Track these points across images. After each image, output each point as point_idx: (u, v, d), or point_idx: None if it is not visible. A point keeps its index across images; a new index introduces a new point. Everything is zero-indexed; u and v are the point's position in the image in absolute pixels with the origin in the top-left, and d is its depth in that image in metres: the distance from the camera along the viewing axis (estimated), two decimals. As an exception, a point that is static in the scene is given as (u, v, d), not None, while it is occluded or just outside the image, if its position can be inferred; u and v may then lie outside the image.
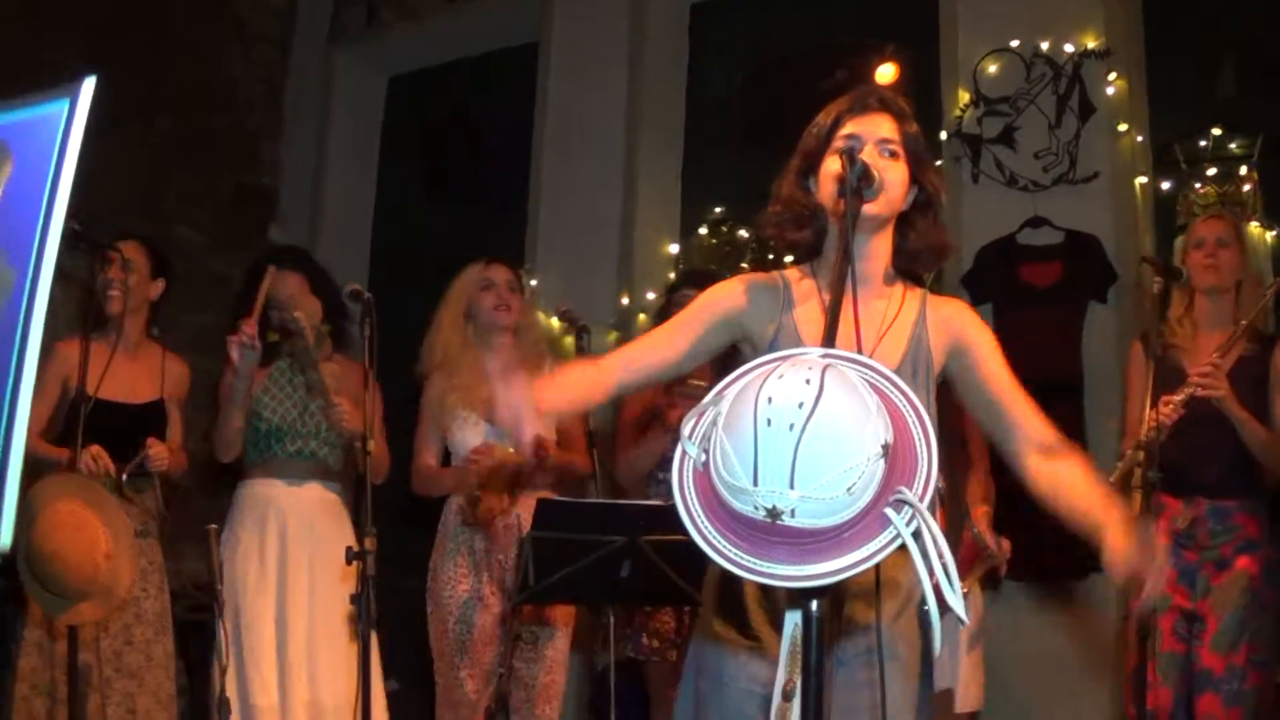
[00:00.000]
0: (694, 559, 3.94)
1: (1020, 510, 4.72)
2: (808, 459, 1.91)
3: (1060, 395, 5.91)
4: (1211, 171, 6.33)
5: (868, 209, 2.80)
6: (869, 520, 1.99)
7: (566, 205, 7.56)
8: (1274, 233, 6.20)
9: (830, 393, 1.94)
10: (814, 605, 2.09)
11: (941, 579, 1.99)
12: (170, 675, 5.09)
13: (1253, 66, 6.61)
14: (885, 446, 1.98)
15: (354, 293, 4.78)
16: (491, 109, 8.57)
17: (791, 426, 1.91)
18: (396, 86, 9.16)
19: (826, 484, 1.92)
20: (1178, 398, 4.48)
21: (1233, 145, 6.36)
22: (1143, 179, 6.29)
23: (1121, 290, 6.05)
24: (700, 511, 2.06)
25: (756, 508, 1.94)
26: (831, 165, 2.91)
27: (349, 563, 4.12)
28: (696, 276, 5.55)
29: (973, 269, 6.27)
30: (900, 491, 2.00)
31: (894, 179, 2.91)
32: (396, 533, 4.52)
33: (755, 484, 1.93)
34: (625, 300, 7.25)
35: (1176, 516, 4.64)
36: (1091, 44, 6.28)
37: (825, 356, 2.11)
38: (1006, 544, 4.90)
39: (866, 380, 2.07)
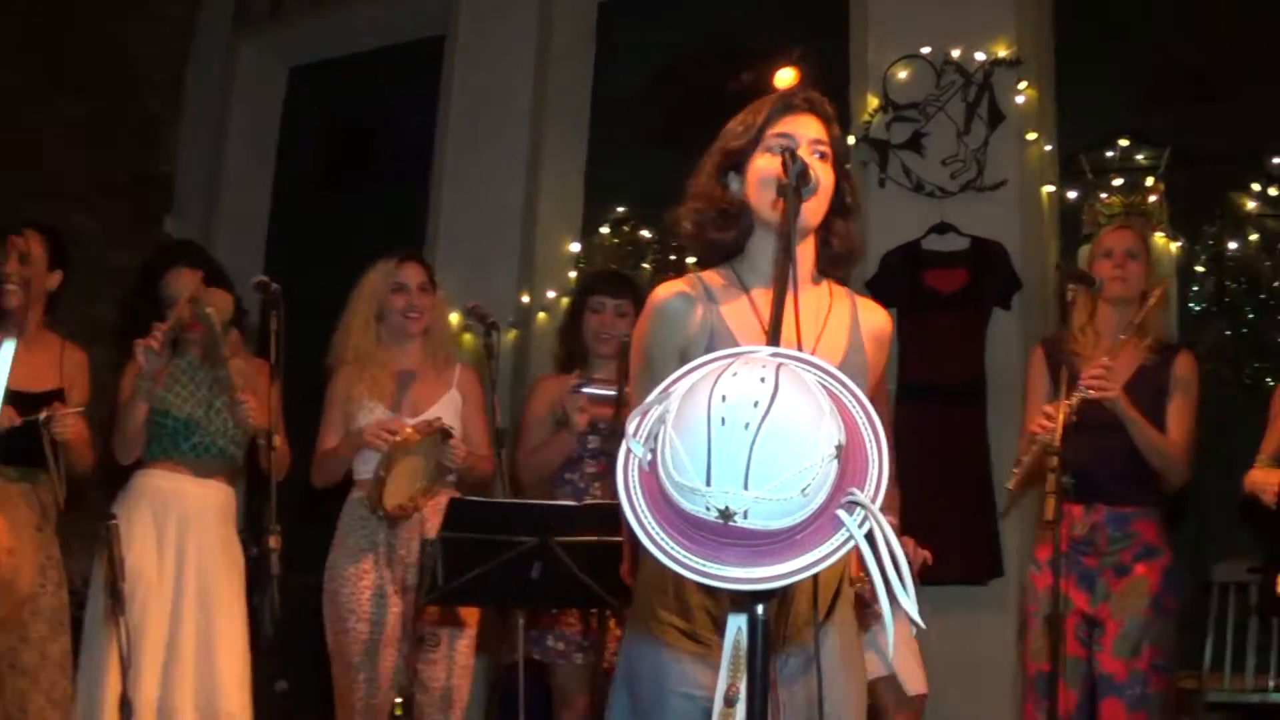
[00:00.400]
0: (605, 561, 3.95)
1: (922, 516, 4.80)
2: (763, 459, 1.86)
3: (963, 400, 5.97)
4: (1118, 182, 6.39)
5: (805, 209, 2.76)
6: (821, 522, 1.95)
7: (468, 201, 7.49)
8: (1179, 243, 6.27)
9: (785, 391, 1.90)
10: (760, 609, 2.04)
11: (894, 581, 1.96)
12: (67, 674, 4.94)
13: (1161, 79, 6.69)
14: (839, 447, 1.94)
15: (261, 284, 4.69)
16: (395, 101, 8.48)
17: (747, 425, 1.86)
18: (298, 76, 9.05)
19: (781, 485, 1.87)
20: (1070, 401, 4.49)
21: (1140, 156, 6.43)
22: (1050, 187, 6.35)
23: (1026, 297, 6.09)
24: (647, 511, 2.00)
25: (708, 508, 1.89)
26: (765, 164, 2.86)
27: (251, 561, 4.03)
28: (610, 282, 5.55)
29: (878, 274, 6.28)
30: (852, 493, 1.97)
31: (826, 181, 2.87)
32: (289, 529, 4.41)
33: (708, 484, 1.87)
34: (525, 298, 7.21)
35: (1076, 523, 4.65)
36: (1002, 53, 6.33)
37: (775, 355, 2.06)
38: (925, 553, 4.91)
39: (817, 380, 2.03)
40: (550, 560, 3.92)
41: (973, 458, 5.89)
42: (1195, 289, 6.23)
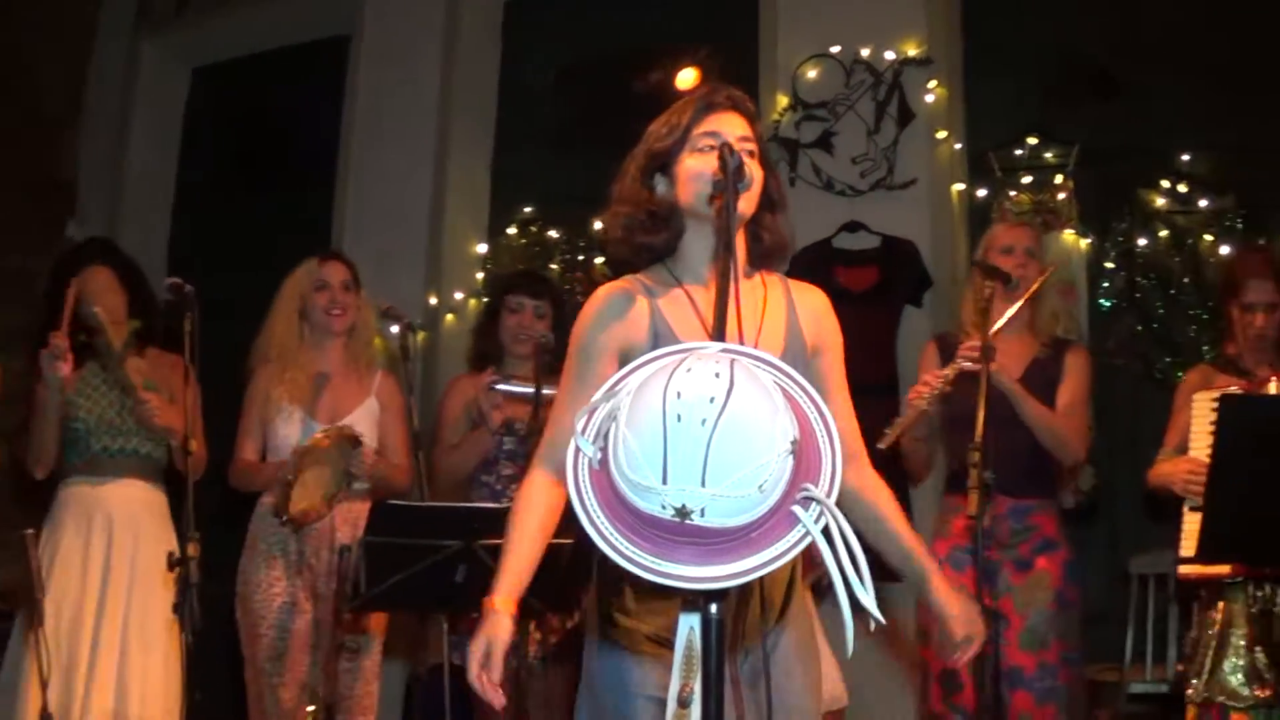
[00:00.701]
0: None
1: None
2: (720, 455, 1.83)
3: (875, 397, 5.95)
4: (1027, 180, 6.43)
5: (741, 206, 2.74)
6: (777, 519, 1.93)
7: (374, 202, 7.39)
8: (1089, 240, 6.32)
9: (741, 387, 1.87)
10: (713, 608, 2.01)
11: (852, 577, 1.94)
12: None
13: (1069, 77, 6.76)
14: (793, 442, 1.92)
15: (174, 286, 4.61)
16: (300, 102, 8.32)
17: (703, 422, 1.83)
18: (202, 77, 8.89)
19: (738, 481, 1.84)
20: (946, 371, 4.51)
21: (1048, 154, 6.47)
22: (960, 186, 6.38)
23: (937, 295, 6.12)
24: (599, 511, 1.96)
25: (665, 506, 1.86)
26: (695, 163, 2.83)
27: (170, 569, 3.95)
28: (529, 282, 5.53)
29: (788, 272, 6.24)
30: (806, 488, 1.94)
31: (756, 177, 2.85)
32: (210, 534, 4.32)
33: (664, 482, 1.84)
34: (433, 300, 7.13)
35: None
36: (912, 52, 6.33)
37: (725, 351, 2.04)
38: None
39: (771, 379, 2.00)
40: (475, 563, 3.85)
41: (886, 454, 5.89)
42: (1105, 285, 6.29)
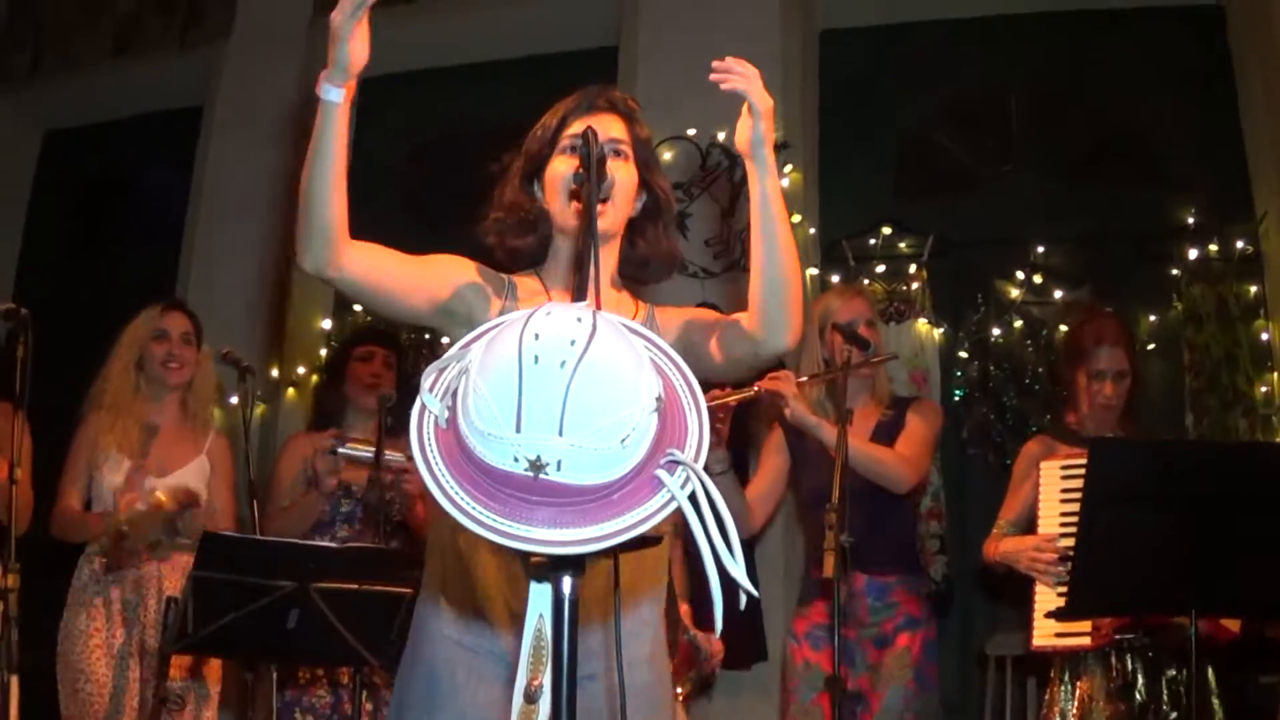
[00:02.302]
0: (368, 610, 3.68)
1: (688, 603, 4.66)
2: (579, 402, 1.67)
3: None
4: (881, 269, 6.42)
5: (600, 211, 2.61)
6: (640, 481, 1.76)
7: (220, 273, 7.20)
8: (941, 330, 6.30)
9: (604, 333, 1.72)
10: (566, 584, 1.82)
11: (721, 547, 1.77)
12: None
13: (925, 168, 6.82)
14: (659, 399, 1.76)
15: (9, 311, 4.36)
16: (151, 170, 8.19)
17: (563, 364, 1.67)
18: (54, 140, 8.70)
19: (599, 432, 1.68)
20: (734, 398, 4.37)
21: (902, 244, 6.48)
22: (813, 270, 6.33)
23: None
24: (444, 468, 1.77)
25: (517, 459, 1.68)
26: (558, 166, 2.77)
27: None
28: (377, 333, 5.45)
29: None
30: (672, 452, 1.78)
31: (623, 179, 2.75)
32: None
33: (518, 430, 1.67)
34: (275, 372, 6.92)
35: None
36: (769, 135, 6.29)
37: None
38: (719, 644, 4.76)
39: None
40: (308, 608, 3.61)
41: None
42: (958, 375, 6.27)
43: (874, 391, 4.79)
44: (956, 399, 6.23)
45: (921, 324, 6.27)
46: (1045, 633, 4.16)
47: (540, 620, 1.86)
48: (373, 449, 4.49)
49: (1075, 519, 3.70)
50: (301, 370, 6.93)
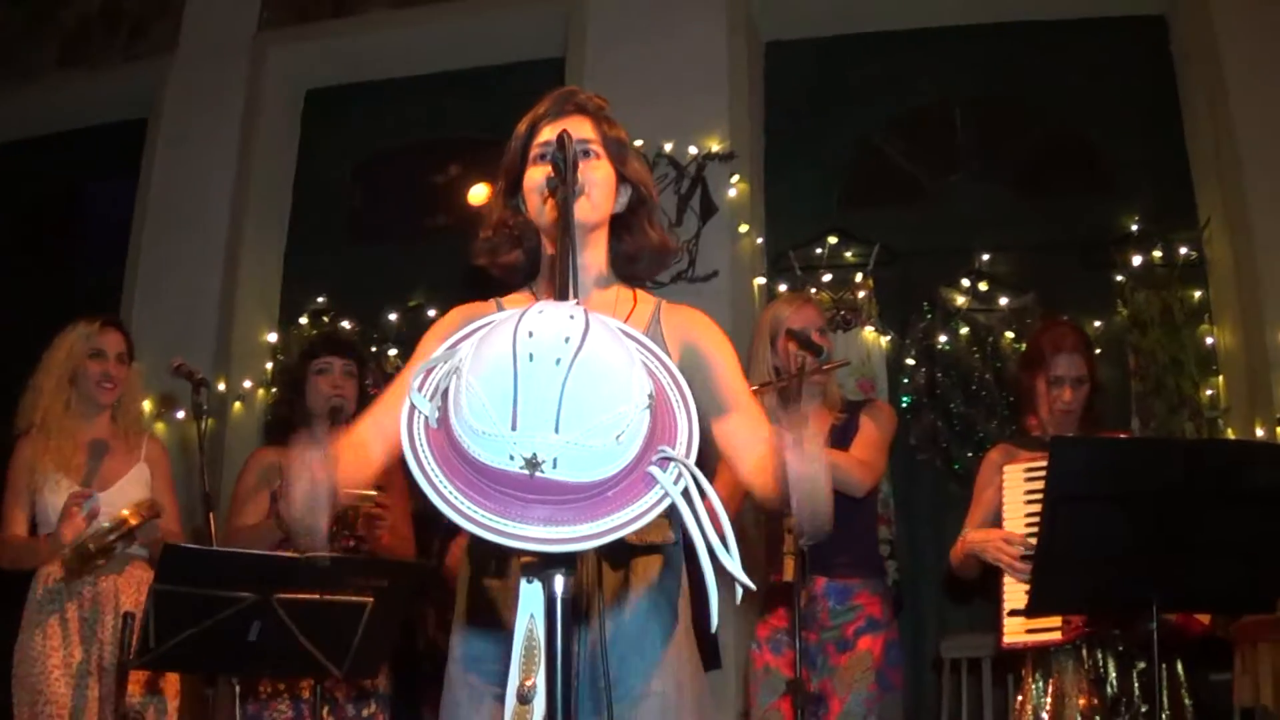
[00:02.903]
0: (330, 621, 3.65)
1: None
2: (575, 399, 1.67)
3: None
4: (828, 277, 6.46)
5: (575, 208, 2.59)
6: (633, 478, 1.77)
7: (165, 288, 7.11)
8: (888, 338, 6.34)
9: (596, 330, 1.72)
10: (559, 583, 1.81)
11: (715, 543, 1.78)
12: None
13: (871, 178, 6.87)
14: (651, 397, 1.77)
15: None
16: (96, 183, 8.13)
17: (558, 361, 1.67)
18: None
19: (594, 429, 1.69)
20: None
21: (848, 253, 6.52)
22: (761, 280, 6.37)
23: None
24: (436, 468, 1.77)
25: (513, 457, 1.68)
26: (532, 174, 2.73)
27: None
28: (332, 343, 5.31)
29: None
30: (663, 450, 1.79)
31: (596, 178, 2.72)
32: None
33: (514, 428, 1.67)
34: (221, 386, 6.84)
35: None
36: (715, 147, 6.35)
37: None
38: None
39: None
40: (271, 620, 3.57)
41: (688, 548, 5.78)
42: (905, 381, 6.31)
43: (826, 397, 4.82)
44: (904, 406, 6.25)
45: (868, 332, 6.31)
46: (1015, 630, 4.20)
47: (531, 621, 1.86)
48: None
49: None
50: (248, 384, 6.88)
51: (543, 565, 1.81)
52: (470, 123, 7.37)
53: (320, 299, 7.22)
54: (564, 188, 2.41)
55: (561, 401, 1.67)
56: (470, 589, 2.67)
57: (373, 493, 4.35)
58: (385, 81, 7.55)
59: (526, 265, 2.84)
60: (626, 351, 1.78)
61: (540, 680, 1.82)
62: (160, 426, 6.10)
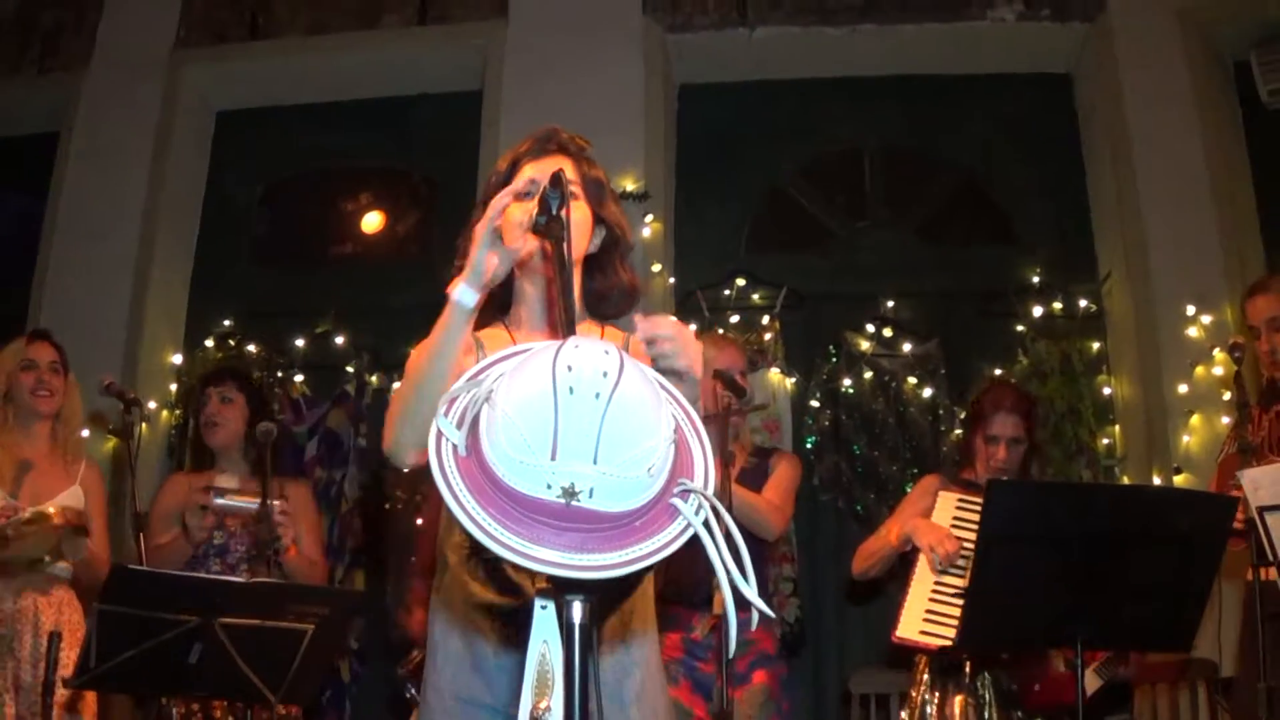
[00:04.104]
0: (268, 646, 3.65)
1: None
2: (613, 431, 1.74)
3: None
4: (735, 319, 6.57)
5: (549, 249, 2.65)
6: (658, 509, 1.83)
7: (71, 306, 6.98)
8: (793, 379, 6.46)
9: (629, 367, 1.79)
10: (577, 609, 1.87)
11: (735, 574, 1.85)
12: None
13: (779, 223, 6.99)
14: (675, 431, 1.84)
15: None
16: (4, 197, 8.00)
17: (597, 395, 1.73)
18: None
19: (630, 460, 1.75)
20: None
21: (755, 296, 6.65)
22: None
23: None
24: (468, 495, 1.82)
25: (551, 486, 1.74)
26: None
27: None
28: (213, 375, 5.48)
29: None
30: (683, 482, 1.86)
31: (577, 218, 2.77)
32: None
33: (554, 458, 1.73)
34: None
35: (694, 627, 4.65)
36: (630, 186, 6.40)
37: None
38: None
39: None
40: (211, 643, 3.56)
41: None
42: (810, 423, 6.42)
43: (739, 438, 4.92)
44: (808, 447, 6.37)
45: (774, 373, 6.44)
46: (910, 628, 4.40)
47: (544, 646, 1.92)
48: (251, 500, 4.52)
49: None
50: (153, 405, 6.80)
51: (561, 590, 1.87)
52: (382, 152, 7.39)
53: (227, 321, 7.16)
54: (557, 224, 2.47)
55: (600, 434, 1.73)
56: (456, 618, 2.71)
57: (277, 502, 4.51)
58: (299, 106, 7.54)
59: (500, 297, 2.86)
60: (654, 387, 1.85)
61: (556, 703, 1.88)
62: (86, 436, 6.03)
